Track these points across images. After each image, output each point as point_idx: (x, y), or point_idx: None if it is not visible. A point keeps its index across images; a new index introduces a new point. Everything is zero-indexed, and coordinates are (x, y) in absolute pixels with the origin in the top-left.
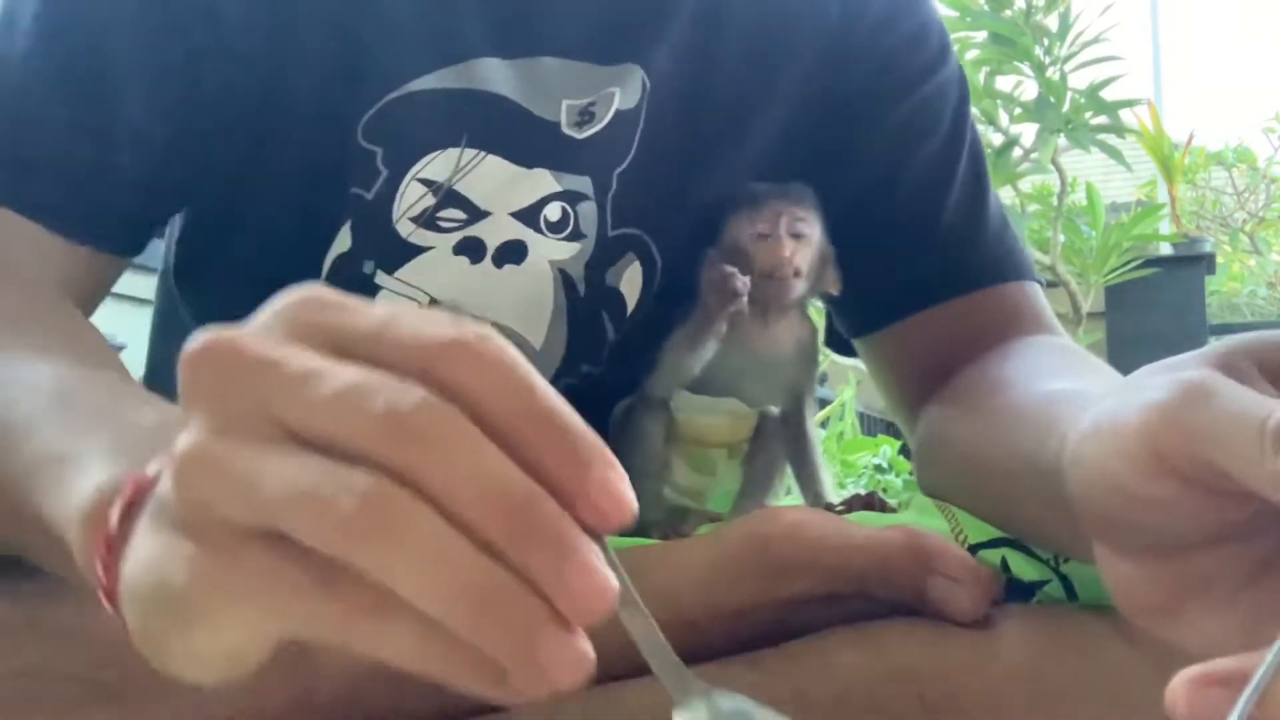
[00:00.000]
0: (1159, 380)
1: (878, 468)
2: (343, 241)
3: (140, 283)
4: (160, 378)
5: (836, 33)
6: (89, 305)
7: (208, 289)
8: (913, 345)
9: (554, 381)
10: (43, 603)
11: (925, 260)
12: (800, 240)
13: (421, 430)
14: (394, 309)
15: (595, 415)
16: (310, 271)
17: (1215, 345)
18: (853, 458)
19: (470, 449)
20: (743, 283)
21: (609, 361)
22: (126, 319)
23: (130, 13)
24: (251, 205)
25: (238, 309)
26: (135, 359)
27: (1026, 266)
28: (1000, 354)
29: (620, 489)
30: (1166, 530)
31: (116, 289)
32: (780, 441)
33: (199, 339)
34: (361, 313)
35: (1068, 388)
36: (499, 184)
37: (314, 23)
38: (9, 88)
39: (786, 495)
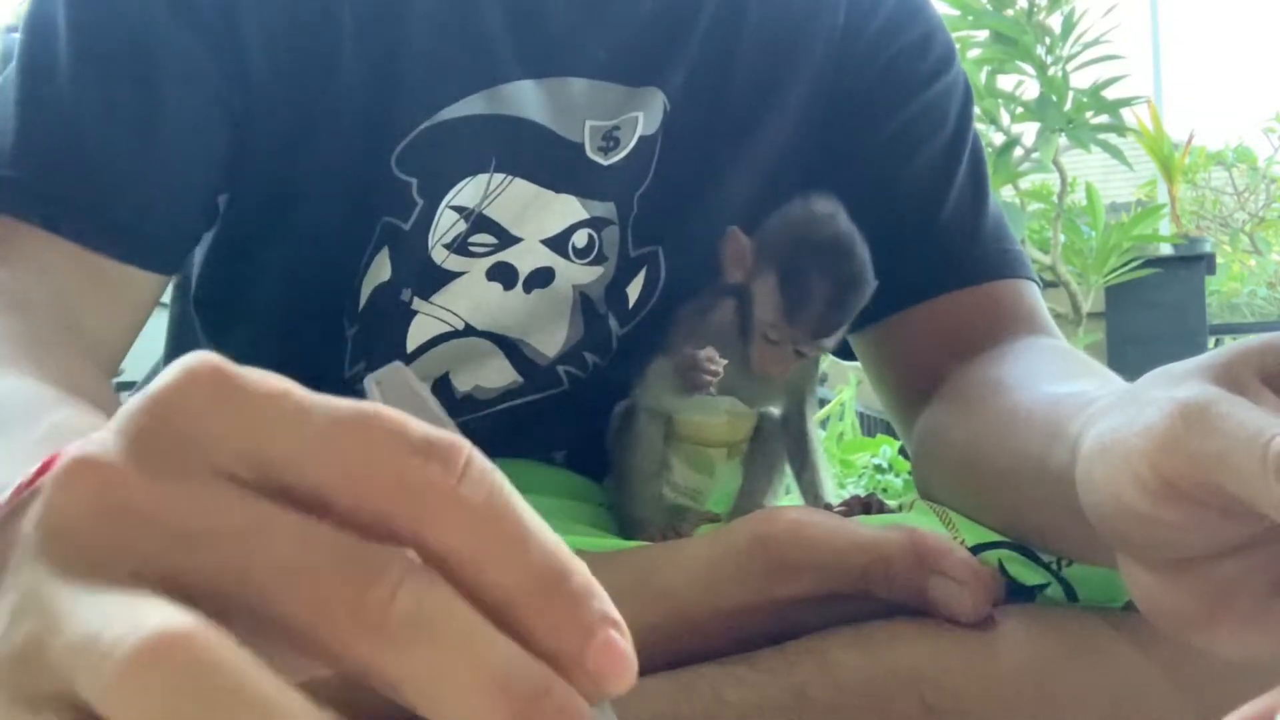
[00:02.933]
0: (1159, 398)
1: (878, 468)
2: (382, 270)
3: None
4: None
5: (843, 38)
6: (139, 323)
7: (229, 314)
8: (908, 340)
9: (556, 368)
10: None
11: (922, 256)
12: (801, 356)
13: (407, 627)
14: (318, 404)
15: (601, 407)
16: (333, 299)
17: (1217, 353)
18: (853, 458)
19: (469, 643)
20: (714, 373)
21: (616, 354)
22: None
23: (164, 34)
24: (279, 233)
25: (259, 333)
26: (136, 358)
27: (1023, 265)
28: (997, 355)
29: (623, 651)
30: (1185, 546)
31: None
32: (780, 442)
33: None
34: (288, 412)
35: (1069, 390)
36: (525, 207)
37: (345, 56)
38: (60, 114)
39: (786, 495)
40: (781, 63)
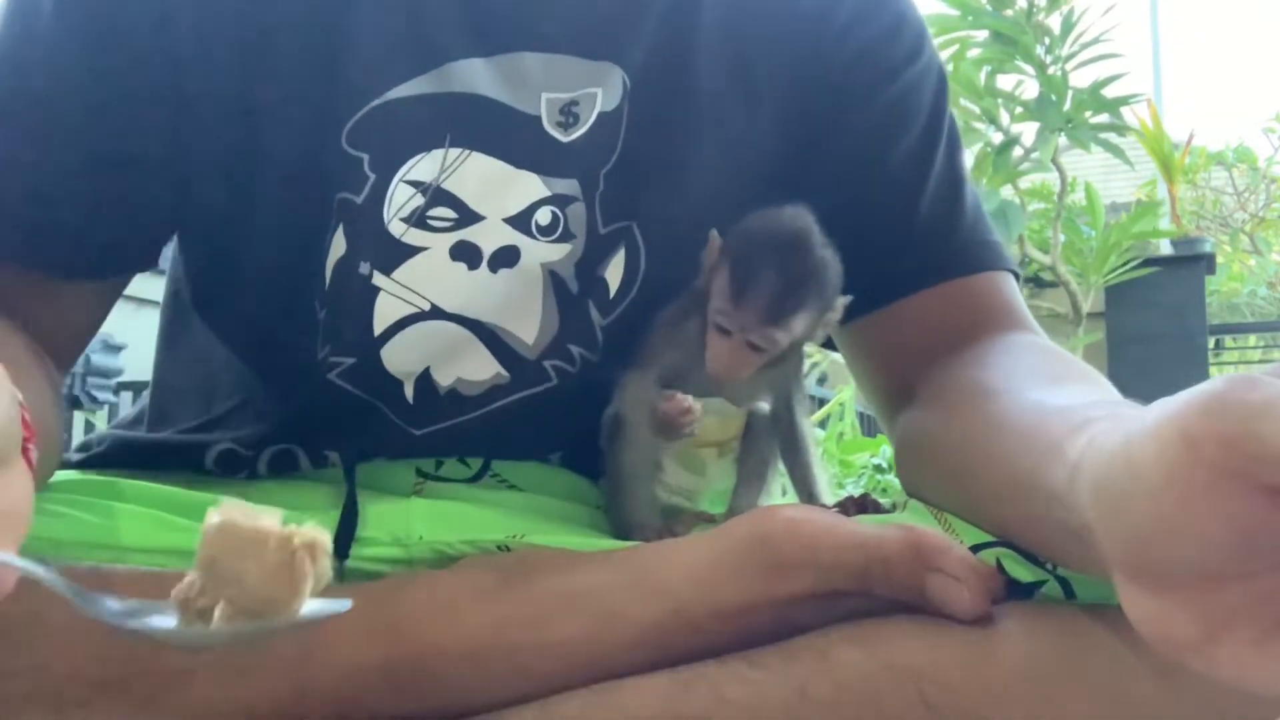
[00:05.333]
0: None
1: (877, 468)
2: (339, 245)
3: (140, 283)
4: (166, 390)
5: (811, 26)
6: (96, 321)
7: (220, 306)
8: (888, 337)
9: (542, 363)
10: (43, 600)
11: (900, 252)
12: (757, 353)
13: None
14: None
15: (594, 406)
16: (303, 282)
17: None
18: (852, 458)
19: None
20: (690, 422)
21: (604, 347)
22: (127, 319)
23: (85, 73)
24: (244, 220)
25: (250, 322)
26: (135, 359)
27: (1001, 257)
28: (978, 355)
29: None
30: (1198, 556)
31: None
32: (772, 439)
33: None
34: None
35: (1059, 403)
36: (486, 181)
37: (287, 41)
38: None
39: (784, 496)
40: (747, 46)
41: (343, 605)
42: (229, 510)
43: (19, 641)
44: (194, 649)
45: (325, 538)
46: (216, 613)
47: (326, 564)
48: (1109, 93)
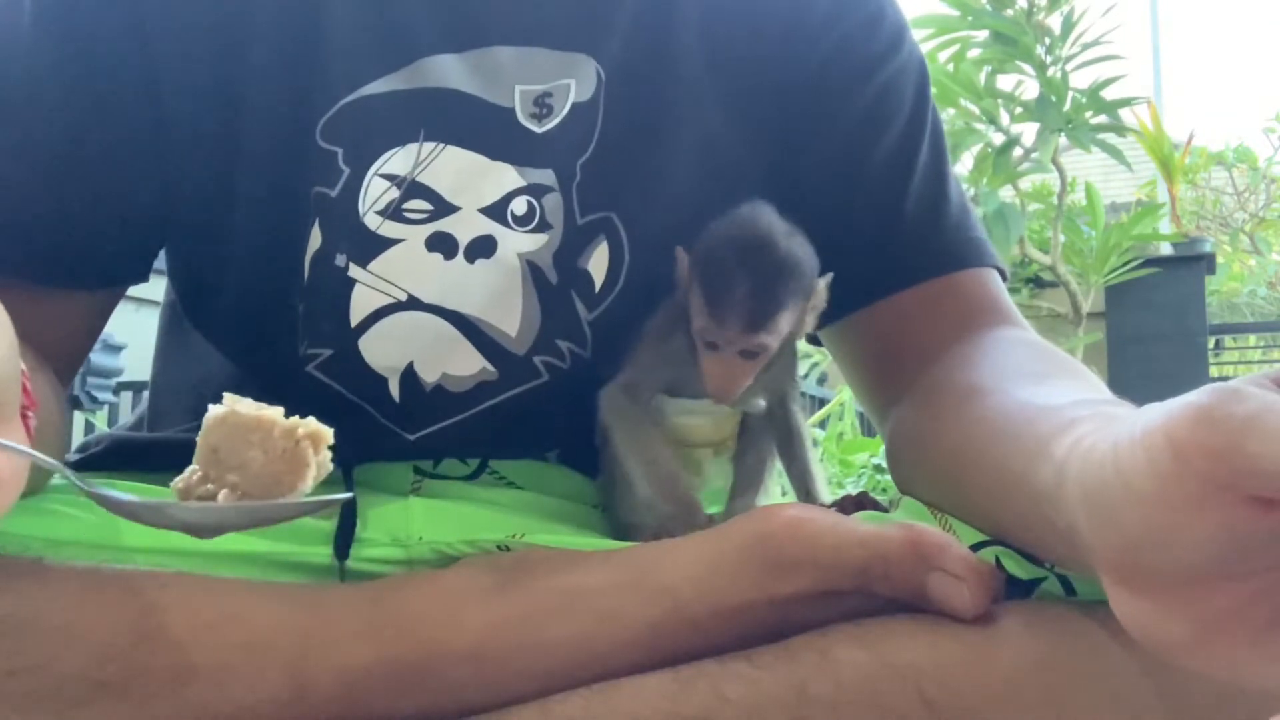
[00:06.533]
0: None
1: (877, 467)
2: (315, 239)
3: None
4: (164, 391)
5: (789, 20)
6: (96, 326)
7: (204, 304)
8: (875, 336)
9: (531, 359)
10: (42, 600)
11: (887, 248)
12: (751, 359)
13: None
14: None
15: (588, 402)
16: (283, 278)
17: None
18: (852, 457)
19: None
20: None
21: (594, 342)
22: (127, 319)
23: (62, 84)
24: (224, 218)
25: (233, 319)
26: (135, 359)
27: (987, 252)
28: (966, 354)
29: None
30: (1187, 562)
31: None
32: (768, 438)
33: None
34: None
35: (1046, 403)
36: (460, 173)
37: (261, 40)
38: None
39: (784, 496)
40: (724, 42)
41: (344, 496)
42: (232, 401)
43: (19, 641)
44: (202, 530)
45: (328, 431)
46: (220, 497)
47: (327, 456)
48: (1109, 94)
